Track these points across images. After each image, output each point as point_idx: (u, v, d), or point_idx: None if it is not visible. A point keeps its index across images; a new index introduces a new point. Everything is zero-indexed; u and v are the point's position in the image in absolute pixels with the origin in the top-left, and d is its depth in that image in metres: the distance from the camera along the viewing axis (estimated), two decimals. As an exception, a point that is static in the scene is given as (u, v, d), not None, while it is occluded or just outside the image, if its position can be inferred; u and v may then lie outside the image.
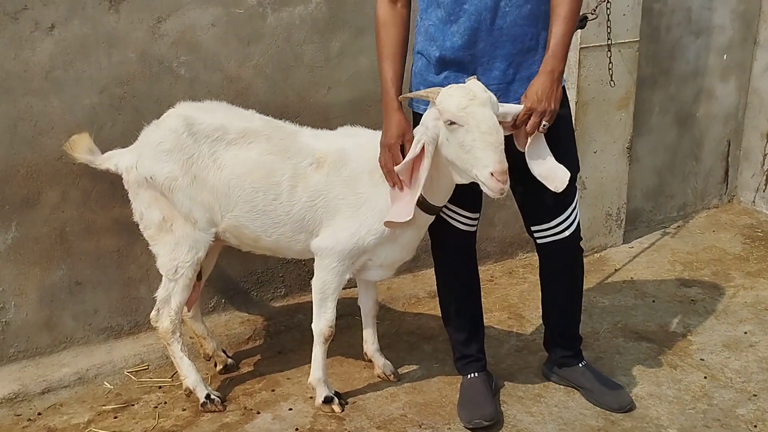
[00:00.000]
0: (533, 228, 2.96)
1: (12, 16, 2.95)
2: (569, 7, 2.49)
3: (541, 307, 3.22)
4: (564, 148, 2.72)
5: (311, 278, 3.89)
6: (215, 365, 3.40)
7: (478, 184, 2.48)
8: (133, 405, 3.17)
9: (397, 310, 3.94)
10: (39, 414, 3.10)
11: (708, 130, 5.04)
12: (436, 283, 3.20)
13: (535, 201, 2.87)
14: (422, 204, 2.70)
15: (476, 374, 3.10)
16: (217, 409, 3.10)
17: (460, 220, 2.95)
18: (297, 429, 2.98)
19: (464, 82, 2.51)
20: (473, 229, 3.02)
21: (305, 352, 3.53)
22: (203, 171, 2.84)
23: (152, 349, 3.44)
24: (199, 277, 3.19)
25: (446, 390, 3.22)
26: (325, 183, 2.79)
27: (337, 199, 2.80)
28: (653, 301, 3.98)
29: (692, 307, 3.90)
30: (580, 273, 3.15)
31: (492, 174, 2.35)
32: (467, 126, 2.38)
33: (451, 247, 3.04)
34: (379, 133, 2.76)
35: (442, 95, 2.45)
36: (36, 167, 3.15)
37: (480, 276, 3.19)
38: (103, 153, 2.98)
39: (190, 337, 3.37)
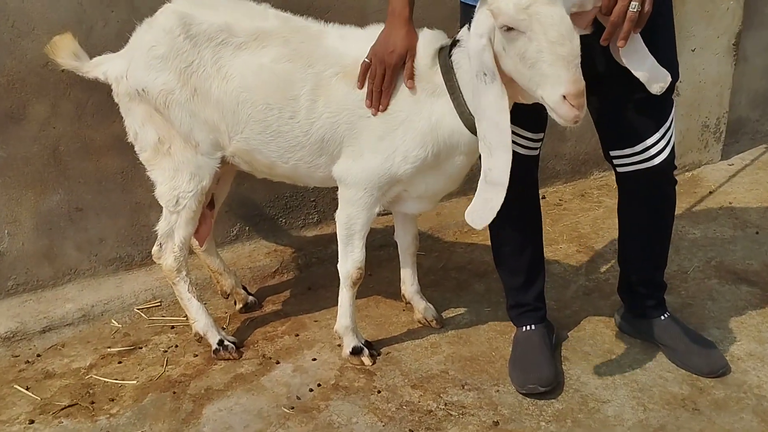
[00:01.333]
0: (613, 153, 2.36)
1: None
2: None
3: (618, 243, 2.63)
4: (663, 43, 2.11)
5: (347, 202, 3.46)
6: (234, 303, 3.00)
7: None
8: (140, 348, 2.81)
9: (446, 241, 3.42)
10: (38, 356, 2.78)
11: (835, 21, 4.15)
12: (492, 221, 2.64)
13: (617, 116, 2.25)
14: (472, 126, 2.15)
15: (533, 326, 2.58)
16: (231, 357, 2.70)
17: (520, 142, 2.36)
18: (319, 384, 2.55)
19: None
20: (536, 152, 2.44)
21: (337, 290, 3.07)
22: (205, 82, 2.33)
23: (166, 283, 3.01)
24: (210, 205, 2.74)
25: (497, 341, 2.72)
26: (352, 98, 2.25)
27: (366, 117, 2.26)
28: (756, 233, 3.31)
29: (806, 242, 3.22)
30: (671, 210, 2.51)
31: (564, 97, 1.80)
32: (530, 32, 1.82)
33: (512, 176, 2.45)
34: (423, 33, 2.26)
35: None
36: (18, 76, 2.71)
37: (546, 199, 2.59)
38: (92, 58, 2.50)
39: (208, 271, 2.95)
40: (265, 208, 3.28)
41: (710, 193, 3.70)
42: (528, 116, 2.25)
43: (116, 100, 2.46)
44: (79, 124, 2.84)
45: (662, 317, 2.59)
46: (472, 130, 2.17)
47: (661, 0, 2.02)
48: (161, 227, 2.59)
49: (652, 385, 2.45)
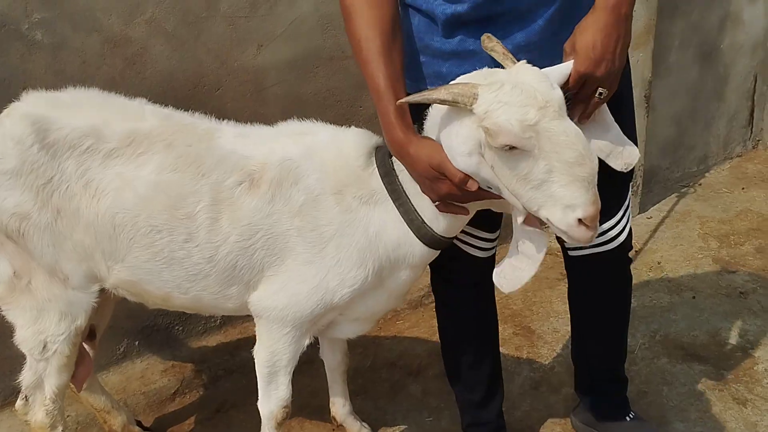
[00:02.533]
0: None
1: None
2: None
3: (572, 338, 2.35)
4: (626, 114, 1.89)
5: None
6: (128, 442, 2.48)
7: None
8: None
9: (369, 334, 3.03)
10: None
11: (733, 64, 4.16)
12: (439, 326, 2.31)
13: None
14: (425, 236, 1.81)
15: (495, 450, 2.24)
16: None
17: (478, 244, 2.05)
18: None
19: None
20: (493, 252, 2.11)
21: (252, 407, 2.60)
22: (71, 202, 1.85)
23: None
24: (91, 335, 2.23)
25: (448, 462, 2.37)
26: (265, 213, 1.82)
27: (286, 236, 1.84)
28: (693, 297, 3.14)
29: (744, 303, 3.08)
30: (629, 293, 2.26)
31: (580, 220, 1.49)
32: (539, 151, 1.48)
33: (464, 281, 2.15)
34: (339, 131, 1.90)
35: (486, 101, 1.49)
36: None
37: None
38: None
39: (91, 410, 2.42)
40: (157, 317, 2.78)
41: (637, 252, 3.52)
42: (484, 216, 1.91)
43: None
44: None
45: (627, 418, 2.32)
46: (425, 239, 1.81)
47: (624, 82, 1.76)
48: (26, 377, 2.06)
49: (629, 504, 2.16)
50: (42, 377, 2.05)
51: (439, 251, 1.89)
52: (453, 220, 1.78)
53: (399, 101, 1.62)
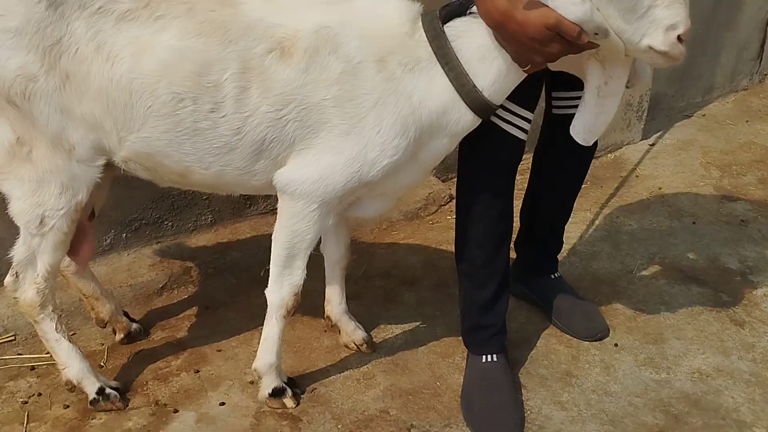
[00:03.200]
0: (555, 94, 2.21)
1: None
2: None
3: (527, 193, 2.48)
4: None
5: (246, 199, 2.90)
6: (114, 333, 2.42)
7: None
8: (-9, 400, 2.19)
9: (364, 242, 2.97)
10: None
11: (750, -8, 4.02)
12: (458, 220, 2.18)
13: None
14: (474, 101, 1.75)
15: (495, 357, 2.20)
16: (114, 407, 2.15)
17: (519, 124, 1.98)
18: (232, 438, 2.06)
19: None
20: (526, 136, 2.04)
21: (242, 306, 2.60)
22: (81, 66, 1.72)
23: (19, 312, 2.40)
24: (91, 216, 2.13)
25: (440, 367, 2.32)
26: (299, 83, 1.72)
27: (322, 107, 1.74)
28: (693, 223, 3.09)
29: (744, 231, 3.03)
30: (590, 157, 2.43)
31: (680, 37, 1.60)
32: None
33: (500, 164, 2.06)
34: None
35: None
36: None
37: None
38: None
39: (79, 295, 2.35)
40: (146, 210, 2.68)
41: (637, 177, 3.46)
42: (526, 92, 1.89)
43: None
44: None
45: (552, 276, 2.56)
46: (474, 104, 1.75)
47: None
48: (18, 252, 1.96)
49: (623, 415, 2.14)
50: (35, 253, 1.95)
51: (479, 122, 1.83)
52: (503, 85, 1.76)
53: None
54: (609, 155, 3.64)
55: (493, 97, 1.76)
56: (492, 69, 1.73)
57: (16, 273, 2.00)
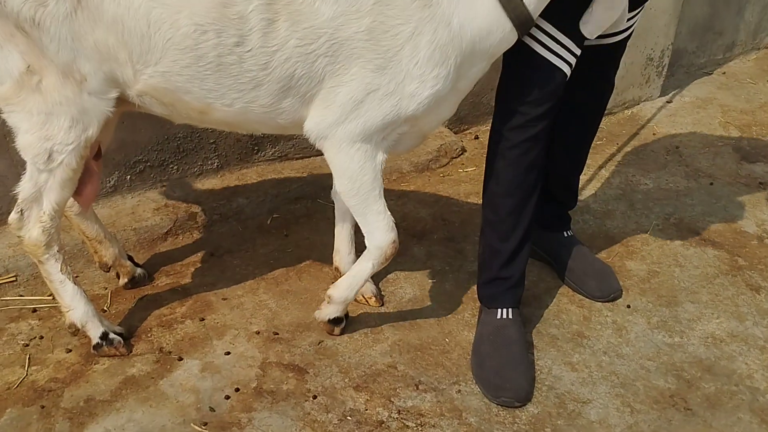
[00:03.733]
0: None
1: None
2: None
3: None
4: None
5: (254, 144, 2.83)
6: (117, 277, 2.37)
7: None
8: (-9, 342, 2.15)
9: (374, 191, 2.89)
10: None
11: (778, -54, 3.87)
12: (490, 165, 2.09)
13: None
14: (520, 16, 1.69)
15: (510, 312, 2.15)
16: (118, 353, 2.11)
17: (567, 58, 1.89)
18: (237, 389, 2.02)
19: None
20: (568, 72, 1.93)
21: (248, 254, 2.55)
22: None
23: (22, 251, 2.34)
24: (97, 155, 2.05)
25: (449, 323, 2.28)
26: (330, 15, 1.64)
27: (354, 41, 1.66)
28: (711, 184, 3.02)
29: (763, 194, 2.97)
30: (606, 100, 2.36)
31: None
32: None
33: (542, 103, 1.93)
34: None
35: None
36: None
37: (480, 139, 2.23)
38: None
39: (82, 237, 2.29)
40: (151, 152, 2.61)
41: (654, 134, 3.37)
42: (575, 23, 1.84)
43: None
44: None
45: (565, 233, 2.50)
46: (519, 19, 1.69)
47: None
48: (24, 189, 1.90)
49: (635, 378, 2.10)
50: (42, 190, 1.88)
51: (517, 39, 1.77)
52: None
53: None
54: (626, 111, 3.55)
55: (534, 11, 1.70)
56: None
57: (21, 210, 1.93)
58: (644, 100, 3.60)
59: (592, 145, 2.86)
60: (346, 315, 2.21)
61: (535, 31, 1.83)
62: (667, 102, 3.64)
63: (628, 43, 2.16)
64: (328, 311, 2.14)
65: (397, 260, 2.54)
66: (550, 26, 1.83)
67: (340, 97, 1.73)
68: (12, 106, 1.79)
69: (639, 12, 2.06)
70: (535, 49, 1.86)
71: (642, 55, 3.43)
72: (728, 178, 3.06)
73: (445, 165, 3.08)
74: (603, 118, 3.44)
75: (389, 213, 1.95)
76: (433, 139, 3.10)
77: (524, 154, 2.01)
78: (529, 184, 2.06)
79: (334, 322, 2.17)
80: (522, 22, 1.70)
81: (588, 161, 3.00)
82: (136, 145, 2.56)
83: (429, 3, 1.66)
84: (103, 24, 1.66)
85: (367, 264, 2.01)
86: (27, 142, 1.82)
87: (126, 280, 2.36)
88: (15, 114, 1.80)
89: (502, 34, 1.71)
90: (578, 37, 1.88)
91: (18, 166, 2.27)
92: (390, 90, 1.72)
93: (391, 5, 1.65)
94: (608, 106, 3.46)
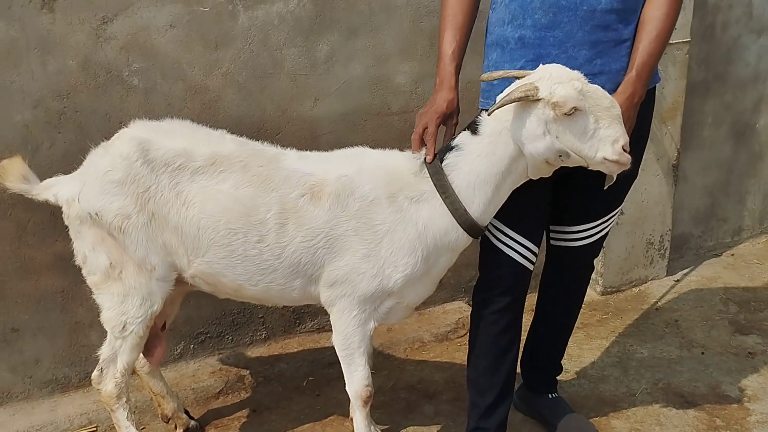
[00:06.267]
0: (553, 227, 2.60)
1: None
2: (665, 25, 2.21)
3: (533, 319, 2.83)
4: (637, 147, 2.37)
5: (296, 319, 3.41)
6: (175, 428, 2.89)
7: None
8: (73, 478, 2.67)
9: (397, 357, 3.38)
10: (-39, 488, 2.63)
11: (769, 143, 4.35)
12: (470, 331, 2.60)
13: (574, 200, 2.49)
14: (466, 223, 2.25)
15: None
16: (170, 488, 2.58)
17: (523, 252, 2.42)
18: None
19: None
20: (532, 268, 2.48)
21: (284, 411, 3.03)
22: (163, 207, 2.31)
23: (104, 406, 2.91)
24: (163, 327, 2.67)
25: (445, 470, 2.65)
26: (325, 219, 2.27)
27: (345, 237, 2.28)
28: (702, 353, 3.34)
29: (750, 363, 3.25)
30: (583, 292, 2.80)
31: (623, 147, 2.08)
32: (589, 108, 2.07)
33: (503, 286, 2.46)
34: (386, 152, 2.39)
35: (546, 87, 2.05)
36: (-42, 196, 2.66)
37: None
38: (40, 179, 2.45)
39: (150, 393, 2.85)
40: (211, 325, 3.22)
41: (656, 309, 3.74)
42: (531, 226, 2.40)
43: (66, 223, 2.39)
44: (18, 243, 2.78)
45: (550, 395, 2.85)
46: (465, 225, 2.24)
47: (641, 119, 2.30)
48: (104, 352, 2.50)
49: None
50: (117, 353, 2.47)
51: (472, 239, 2.32)
52: (487, 209, 2.25)
53: (483, 75, 2.28)
54: (633, 289, 3.95)
55: (479, 219, 2.24)
56: (479, 195, 2.22)
57: (101, 369, 2.52)
58: (651, 279, 4.00)
59: (598, 318, 3.28)
60: None
61: (490, 226, 2.39)
62: (675, 281, 4.02)
63: (626, 230, 2.65)
64: None
65: (409, 416, 2.96)
66: (500, 224, 2.38)
67: (338, 277, 2.32)
68: (100, 290, 2.45)
69: (603, 222, 2.55)
70: (491, 240, 2.42)
71: (642, 240, 3.89)
72: (719, 348, 3.37)
73: (462, 336, 3.54)
74: (611, 296, 3.89)
75: (368, 367, 2.45)
76: (453, 313, 3.60)
77: (493, 323, 2.49)
78: (500, 349, 2.52)
79: None
80: (469, 227, 2.25)
81: (591, 332, 3.44)
82: (199, 320, 3.18)
83: (401, 208, 2.27)
84: (169, 229, 2.33)
85: (358, 414, 2.49)
86: (108, 317, 2.45)
87: (181, 430, 2.88)
88: (101, 296, 2.45)
89: (456, 234, 2.28)
90: (530, 233, 2.41)
91: (106, 338, 2.93)
92: (374, 272, 2.29)
93: (371, 210, 2.27)
94: (616, 285, 3.93)
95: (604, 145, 2.07)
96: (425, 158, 2.27)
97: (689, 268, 4.16)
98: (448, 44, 2.33)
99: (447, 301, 3.69)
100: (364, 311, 2.36)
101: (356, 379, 2.45)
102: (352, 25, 3.10)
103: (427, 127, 2.28)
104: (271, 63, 3.00)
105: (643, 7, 2.23)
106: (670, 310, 3.74)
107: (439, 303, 3.67)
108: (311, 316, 3.40)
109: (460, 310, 3.65)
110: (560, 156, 2.11)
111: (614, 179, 2.22)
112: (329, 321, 3.37)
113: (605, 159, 2.08)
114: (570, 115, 2.03)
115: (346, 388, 2.48)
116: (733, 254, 4.34)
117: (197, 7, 2.81)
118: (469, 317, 3.56)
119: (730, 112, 4.15)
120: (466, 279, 3.63)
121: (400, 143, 3.31)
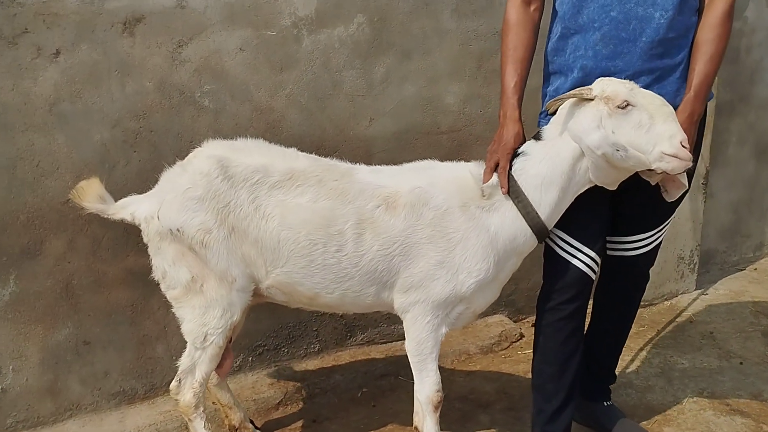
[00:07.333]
0: (610, 238, 2.68)
1: (10, 41, 2.56)
2: (718, 47, 2.32)
3: (588, 326, 2.89)
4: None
5: (347, 332, 3.51)
6: (240, 438, 2.97)
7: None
8: (145, 488, 2.74)
9: (445, 369, 3.47)
10: (37, 498, 2.69)
11: (790, 162, 4.52)
12: (535, 338, 2.70)
13: (633, 213, 2.60)
14: (536, 225, 2.38)
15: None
16: (244, 493, 2.66)
17: (585, 261, 2.54)
18: None
19: None
20: (594, 276, 2.59)
21: (343, 421, 3.11)
22: (243, 221, 2.42)
23: (170, 417, 3.00)
24: (229, 339, 2.76)
25: (509, 476, 2.75)
26: (401, 228, 2.39)
27: (420, 245, 2.39)
28: (741, 363, 3.47)
29: (788, 372, 3.38)
30: (640, 295, 2.89)
31: (681, 142, 2.16)
32: (640, 105, 2.20)
33: (568, 294, 2.57)
34: (455, 164, 2.53)
35: (598, 87, 2.25)
36: (38, 213, 2.75)
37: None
38: (114, 196, 2.55)
39: (213, 403, 2.92)
40: (268, 339, 3.31)
41: (691, 322, 3.87)
42: (592, 236, 2.52)
43: (145, 240, 2.48)
44: (93, 258, 2.87)
45: (605, 403, 2.95)
46: (535, 228, 2.38)
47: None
48: (183, 363, 2.58)
49: None
50: (196, 363, 2.55)
51: (537, 243, 2.45)
52: (553, 211, 2.38)
53: (549, 102, 2.38)
54: (665, 303, 4.08)
55: (547, 221, 2.38)
56: (546, 197, 2.36)
57: (180, 379, 2.60)
58: (681, 293, 4.13)
59: (635, 331, 3.37)
60: None
61: (553, 236, 2.51)
62: (703, 294, 4.16)
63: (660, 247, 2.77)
64: None
65: (465, 425, 3.06)
66: (563, 233, 2.51)
67: (413, 283, 2.43)
68: (180, 303, 2.53)
69: (658, 231, 2.67)
70: (554, 248, 2.54)
71: (674, 255, 4.03)
72: (757, 359, 3.50)
73: (506, 348, 3.65)
74: (645, 309, 4.00)
75: (439, 373, 2.54)
76: (496, 327, 3.71)
77: (558, 331, 2.61)
78: (565, 355, 2.63)
79: None
80: (539, 230, 2.39)
81: (631, 344, 3.54)
82: (257, 333, 3.27)
83: (473, 216, 2.39)
84: (248, 242, 2.43)
85: (428, 419, 2.56)
86: (189, 329, 2.54)
87: (247, 440, 2.96)
88: (182, 309, 2.54)
89: (524, 238, 2.41)
90: (591, 242, 2.53)
91: (172, 350, 3.01)
92: (448, 278, 2.40)
93: (445, 218, 2.39)
94: (649, 298, 4.06)
95: (661, 139, 2.17)
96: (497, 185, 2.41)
97: (716, 282, 4.30)
98: (510, 78, 2.45)
99: (488, 315, 3.80)
100: (437, 317, 2.46)
101: (428, 384, 2.54)
102: (406, 48, 3.24)
103: (498, 163, 2.41)
104: (331, 84, 3.13)
105: (696, 31, 2.37)
106: (704, 323, 3.87)
107: (481, 316, 3.76)
108: (361, 329, 3.50)
109: (501, 323, 3.76)
110: (618, 150, 2.23)
111: (687, 187, 2.36)
112: (379, 334, 3.52)
113: (663, 153, 2.18)
114: (623, 109, 2.18)
115: (416, 393, 2.57)
116: (755, 269, 4.49)
117: (265, 32, 2.94)
118: (511, 330, 3.72)
119: (753, 132, 4.32)
120: (506, 293, 3.74)
121: (450, 160, 3.46)
